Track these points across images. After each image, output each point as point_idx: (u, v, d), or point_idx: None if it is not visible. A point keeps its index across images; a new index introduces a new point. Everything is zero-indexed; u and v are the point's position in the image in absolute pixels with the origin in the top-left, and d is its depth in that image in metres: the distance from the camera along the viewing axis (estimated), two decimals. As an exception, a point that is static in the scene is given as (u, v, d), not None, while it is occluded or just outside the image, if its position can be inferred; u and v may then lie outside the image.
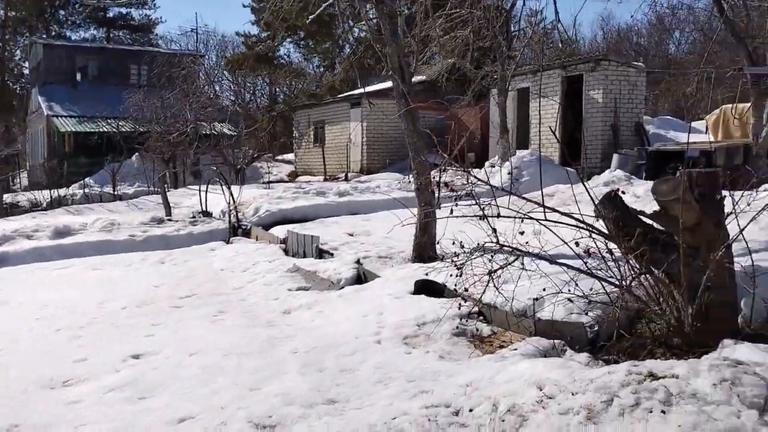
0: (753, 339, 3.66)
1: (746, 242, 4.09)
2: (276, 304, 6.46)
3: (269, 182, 20.32)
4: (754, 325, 3.98)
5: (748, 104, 11.64)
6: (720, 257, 3.79)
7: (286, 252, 9.37)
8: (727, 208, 4.03)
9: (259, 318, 5.99)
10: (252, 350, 4.89)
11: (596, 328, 4.43)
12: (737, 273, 4.10)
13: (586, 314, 4.49)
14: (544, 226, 4.45)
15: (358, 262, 7.47)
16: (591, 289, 4.38)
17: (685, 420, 2.65)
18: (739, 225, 3.95)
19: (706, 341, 3.69)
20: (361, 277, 7.15)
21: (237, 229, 11.47)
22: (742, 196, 4.07)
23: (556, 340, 4.34)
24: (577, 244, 4.32)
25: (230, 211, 11.59)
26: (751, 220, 3.99)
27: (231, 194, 11.63)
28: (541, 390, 3.23)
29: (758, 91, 10.61)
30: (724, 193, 4.04)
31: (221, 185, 12.13)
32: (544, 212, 4.44)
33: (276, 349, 4.90)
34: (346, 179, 20.12)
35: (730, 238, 3.97)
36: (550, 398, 3.13)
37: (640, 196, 9.28)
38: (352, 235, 9.66)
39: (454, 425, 3.29)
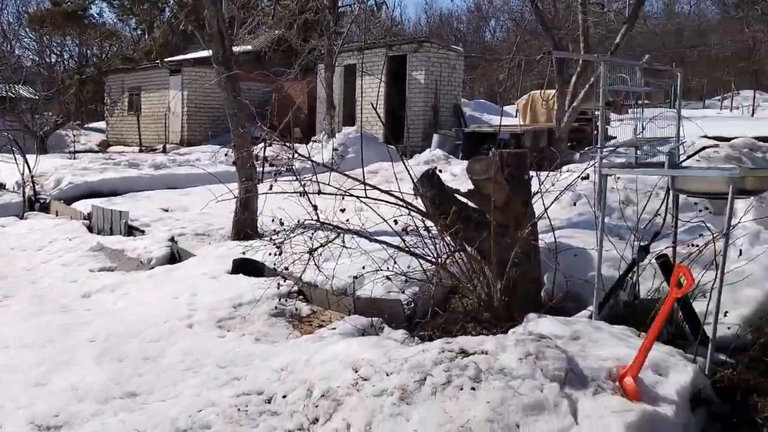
0: (554, 312, 3.87)
1: (550, 220, 4.33)
2: (74, 287, 5.83)
3: (75, 152, 18.57)
4: (555, 298, 4.23)
5: (554, 91, 12.57)
6: (526, 234, 3.96)
7: (90, 229, 8.55)
8: (534, 188, 4.23)
9: (52, 302, 5.36)
10: (41, 339, 4.35)
11: (413, 305, 4.48)
12: (541, 249, 4.32)
13: (404, 292, 4.52)
14: (365, 203, 4.39)
15: (172, 239, 6.99)
16: (409, 267, 4.41)
17: (493, 396, 2.69)
18: (544, 204, 4.15)
19: (513, 315, 3.83)
20: (175, 256, 6.69)
21: (34, 203, 10.38)
22: (547, 176, 4.28)
23: (374, 318, 4.32)
24: (396, 221, 4.32)
25: (25, 182, 10.35)
26: (554, 200, 4.21)
27: (27, 163, 10.41)
28: (356, 372, 3.15)
29: (562, 79, 11.48)
30: (532, 173, 4.22)
31: (14, 154, 10.79)
32: (365, 189, 4.38)
33: (70, 336, 4.39)
34: (164, 151, 18.95)
35: (536, 216, 4.17)
36: (365, 380, 3.05)
37: (457, 174, 9.64)
38: (167, 210, 9.08)
39: (265, 414, 3.11)
